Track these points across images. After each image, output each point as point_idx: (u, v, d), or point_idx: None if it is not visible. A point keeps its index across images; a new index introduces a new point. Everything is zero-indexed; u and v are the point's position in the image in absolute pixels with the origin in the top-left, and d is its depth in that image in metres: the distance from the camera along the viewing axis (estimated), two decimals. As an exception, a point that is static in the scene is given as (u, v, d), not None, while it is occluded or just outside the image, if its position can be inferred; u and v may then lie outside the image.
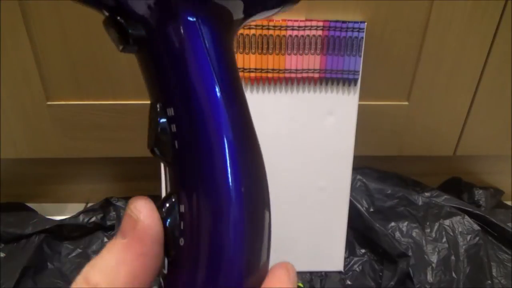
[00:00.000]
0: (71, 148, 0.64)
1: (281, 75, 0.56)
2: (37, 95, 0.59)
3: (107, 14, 0.19)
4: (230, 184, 0.19)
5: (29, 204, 0.73)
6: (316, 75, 0.57)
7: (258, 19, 0.23)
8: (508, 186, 0.79)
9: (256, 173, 0.20)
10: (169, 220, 0.19)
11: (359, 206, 0.66)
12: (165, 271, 0.20)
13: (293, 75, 0.56)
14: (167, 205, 0.19)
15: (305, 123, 0.58)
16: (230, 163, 0.19)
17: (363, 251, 0.66)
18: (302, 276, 0.62)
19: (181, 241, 0.19)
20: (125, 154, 0.65)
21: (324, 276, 0.62)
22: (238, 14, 0.21)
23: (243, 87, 0.21)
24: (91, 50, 0.57)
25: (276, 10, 0.23)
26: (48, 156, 0.65)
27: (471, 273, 0.60)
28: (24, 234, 0.64)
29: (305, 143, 0.59)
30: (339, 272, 0.63)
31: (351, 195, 0.62)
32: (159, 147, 0.19)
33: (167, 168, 0.21)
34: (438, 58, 0.60)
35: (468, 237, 0.64)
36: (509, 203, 0.78)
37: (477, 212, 0.68)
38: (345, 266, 0.63)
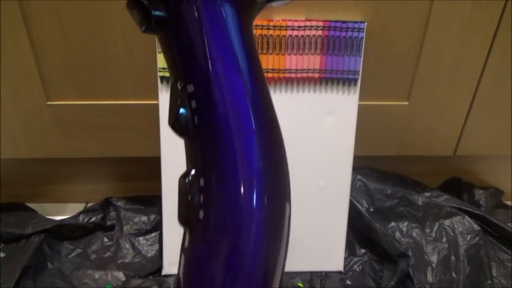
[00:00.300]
0: (71, 148, 0.64)
1: (281, 75, 0.56)
2: (37, 95, 0.59)
3: None
4: (250, 157, 0.19)
5: (29, 204, 0.73)
6: (316, 75, 0.57)
7: (277, 5, 0.23)
8: (508, 186, 0.79)
9: (274, 146, 0.21)
10: (190, 194, 0.19)
11: (359, 206, 0.66)
12: (186, 245, 0.20)
13: (293, 75, 0.56)
14: (189, 179, 0.20)
15: (305, 123, 0.58)
16: (249, 137, 0.19)
17: (363, 251, 0.66)
18: (302, 276, 0.62)
19: (201, 214, 0.19)
20: (125, 154, 0.65)
21: (324, 276, 0.62)
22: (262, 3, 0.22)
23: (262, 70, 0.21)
24: (91, 50, 0.57)
25: None
26: (48, 156, 0.65)
27: (471, 273, 0.60)
28: (24, 234, 0.64)
29: (305, 143, 0.59)
30: (339, 272, 0.63)
31: (351, 195, 0.62)
32: (180, 123, 0.20)
33: (185, 145, 0.21)
34: (438, 58, 0.60)
35: (468, 237, 0.64)
36: (509, 203, 0.78)
37: (477, 212, 0.68)
38: (345, 266, 0.63)
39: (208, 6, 0.19)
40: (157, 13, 0.19)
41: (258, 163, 0.19)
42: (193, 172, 0.20)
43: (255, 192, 0.19)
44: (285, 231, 0.20)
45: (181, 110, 0.20)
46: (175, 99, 0.20)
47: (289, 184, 0.21)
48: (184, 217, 0.19)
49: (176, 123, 0.20)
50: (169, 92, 0.59)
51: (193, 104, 0.20)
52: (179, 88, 0.20)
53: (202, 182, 0.19)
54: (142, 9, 0.19)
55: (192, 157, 0.20)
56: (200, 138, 0.20)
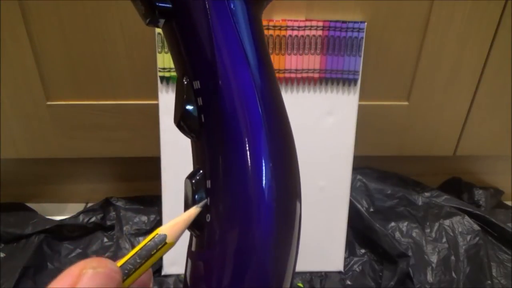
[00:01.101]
0: (71, 148, 0.64)
1: (281, 75, 0.56)
2: (37, 95, 0.59)
3: None
4: (259, 159, 0.18)
5: (29, 204, 0.73)
6: (316, 75, 0.57)
7: None
8: (508, 186, 0.79)
9: (284, 144, 0.20)
10: (197, 196, 0.19)
11: (359, 206, 0.66)
12: (193, 249, 0.20)
13: (293, 75, 0.56)
14: (195, 180, 0.19)
15: (305, 123, 0.58)
16: (258, 136, 0.18)
17: (363, 251, 0.66)
18: (302, 276, 0.62)
19: (208, 217, 0.19)
20: (125, 154, 0.65)
21: (324, 276, 0.62)
22: None
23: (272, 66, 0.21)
24: (91, 50, 0.57)
25: None
26: (48, 156, 0.65)
27: (471, 273, 0.60)
28: (24, 234, 0.64)
29: (305, 143, 0.59)
30: (339, 272, 0.63)
31: (351, 195, 0.62)
32: (186, 121, 0.19)
33: (192, 144, 0.20)
34: (438, 58, 0.60)
35: (468, 237, 0.64)
36: (509, 203, 0.78)
37: (477, 212, 0.68)
38: (345, 266, 0.63)
39: None
40: (162, 4, 0.18)
41: (268, 165, 0.18)
42: (199, 173, 0.19)
43: (265, 195, 0.18)
44: (296, 232, 0.20)
45: (187, 108, 0.19)
46: (181, 96, 0.19)
47: (299, 182, 0.20)
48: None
49: (182, 122, 0.19)
50: (169, 92, 0.59)
51: (200, 101, 0.19)
52: (185, 84, 0.19)
53: (209, 184, 0.19)
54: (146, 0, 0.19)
55: (198, 157, 0.20)
56: (207, 137, 0.19)
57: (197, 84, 0.19)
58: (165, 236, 0.17)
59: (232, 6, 0.19)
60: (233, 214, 0.18)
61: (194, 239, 0.20)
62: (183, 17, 0.19)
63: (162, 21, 0.19)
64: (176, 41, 0.19)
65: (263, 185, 0.18)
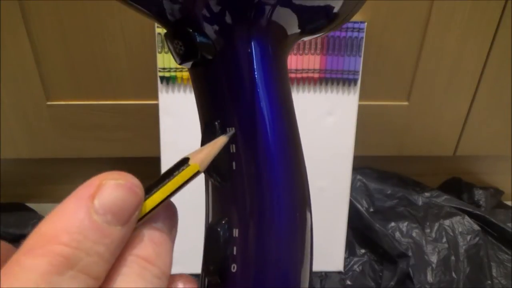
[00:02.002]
0: (71, 148, 0.64)
1: (281, 75, 0.56)
2: (37, 95, 0.59)
3: (173, 25, 0.18)
4: (289, 211, 0.18)
5: (29, 204, 0.73)
6: (316, 75, 0.57)
7: (307, 39, 0.22)
8: (508, 186, 0.79)
9: (308, 189, 0.20)
10: (223, 245, 0.18)
11: (359, 206, 0.66)
12: None
13: (293, 75, 0.56)
14: (220, 228, 0.18)
15: (305, 123, 0.58)
16: (290, 187, 0.18)
17: (363, 251, 0.66)
18: (302, 276, 0.62)
19: (233, 268, 0.18)
20: (125, 154, 0.65)
21: (324, 276, 0.62)
22: (295, 37, 0.21)
23: None
24: (91, 50, 0.57)
25: (324, 31, 0.21)
26: (48, 156, 0.65)
27: (471, 273, 0.60)
28: (24, 234, 0.64)
29: (305, 143, 0.58)
30: (339, 272, 0.63)
31: (351, 195, 0.62)
32: (216, 168, 0.18)
33: (213, 190, 0.19)
34: (438, 58, 0.60)
35: (468, 237, 0.64)
36: (509, 203, 0.78)
37: (477, 212, 0.68)
38: (345, 266, 0.63)
39: (260, 42, 0.18)
40: (204, 39, 0.18)
41: (296, 214, 0.18)
42: (225, 220, 0.18)
43: (293, 247, 0.18)
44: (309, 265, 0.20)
45: (219, 155, 0.18)
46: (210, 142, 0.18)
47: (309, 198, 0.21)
48: (213, 269, 0.18)
49: (212, 168, 0.18)
50: (169, 92, 0.59)
51: (232, 148, 0.18)
52: (217, 129, 0.18)
53: (236, 233, 0.18)
54: (189, 41, 0.18)
55: (224, 204, 0.19)
56: (236, 185, 0.18)
57: (231, 131, 0.18)
58: (187, 159, 0.16)
59: (271, 51, 0.18)
60: (263, 267, 0.18)
61: (206, 282, 0.19)
62: (224, 60, 0.18)
63: (191, 63, 0.18)
64: (210, 85, 0.19)
65: (293, 238, 0.18)
